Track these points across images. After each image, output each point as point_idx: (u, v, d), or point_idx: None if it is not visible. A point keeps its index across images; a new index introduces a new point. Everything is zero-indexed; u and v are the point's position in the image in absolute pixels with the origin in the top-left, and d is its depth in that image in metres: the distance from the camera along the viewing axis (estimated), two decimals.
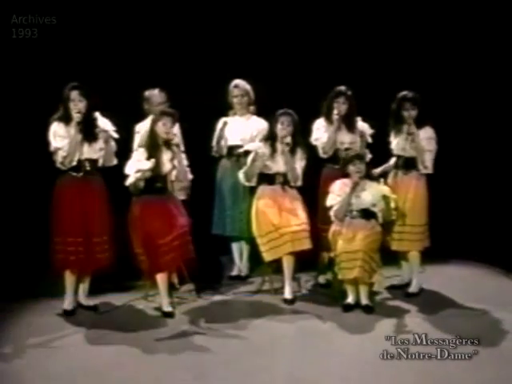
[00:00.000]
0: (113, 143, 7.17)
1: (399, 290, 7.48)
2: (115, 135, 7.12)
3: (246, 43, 8.57)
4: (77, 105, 6.95)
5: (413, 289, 7.44)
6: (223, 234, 7.98)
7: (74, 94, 6.96)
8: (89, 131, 7.01)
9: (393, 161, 7.50)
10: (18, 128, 8.19)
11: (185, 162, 7.32)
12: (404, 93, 7.33)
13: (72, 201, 6.99)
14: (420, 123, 7.27)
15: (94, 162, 7.06)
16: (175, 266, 7.26)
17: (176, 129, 7.47)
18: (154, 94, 7.74)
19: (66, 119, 6.99)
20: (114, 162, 7.21)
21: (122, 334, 6.71)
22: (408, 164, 7.36)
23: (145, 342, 6.56)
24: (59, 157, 6.98)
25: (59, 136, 6.96)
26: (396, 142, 7.40)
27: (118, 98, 8.08)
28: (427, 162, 7.30)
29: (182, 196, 7.51)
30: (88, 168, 7.03)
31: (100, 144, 7.06)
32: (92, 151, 7.04)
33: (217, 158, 7.96)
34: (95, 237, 7.06)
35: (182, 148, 7.59)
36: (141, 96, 7.75)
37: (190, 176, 7.41)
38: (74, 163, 6.98)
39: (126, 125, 7.42)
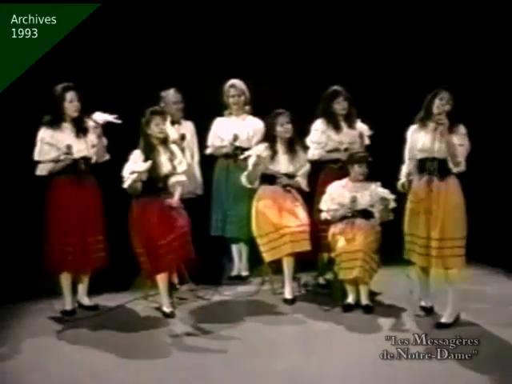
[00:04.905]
0: (103, 138, 7.15)
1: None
2: (117, 121, 7.05)
3: (244, 43, 8.56)
4: (75, 105, 6.97)
5: (447, 319, 6.73)
6: (221, 234, 7.98)
7: (71, 95, 6.96)
8: (81, 129, 7.01)
9: (410, 165, 6.81)
10: (15, 129, 8.14)
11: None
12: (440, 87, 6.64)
13: (67, 201, 6.99)
14: (453, 120, 6.53)
15: (88, 160, 7.06)
16: (175, 267, 7.28)
17: (191, 129, 7.77)
18: (170, 94, 7.77)
19: (57, 121, 6.97)
20: (106, 157, 7.23)
21: (122, 334, 6.72)
22: (443, 167, 6.59)
23: (145, 341, 6.57)
24: (38, 169, 7.00)
25: (46, 143, 6.95)
26: (426, 143, 6.61)
27: (116, 97, 8.09)
28: (459, 157, 6.55)
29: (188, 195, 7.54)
30: (82, 167, 7.02)
31: (93, 140, 7.06)
32: (85, 149, 7.03)
33: (215, 158, 7.96)
34: (90, 236, 7.07)
35: (196, 150, 7.83)
36: (157, 96, 7.76)
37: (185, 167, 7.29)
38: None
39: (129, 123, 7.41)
